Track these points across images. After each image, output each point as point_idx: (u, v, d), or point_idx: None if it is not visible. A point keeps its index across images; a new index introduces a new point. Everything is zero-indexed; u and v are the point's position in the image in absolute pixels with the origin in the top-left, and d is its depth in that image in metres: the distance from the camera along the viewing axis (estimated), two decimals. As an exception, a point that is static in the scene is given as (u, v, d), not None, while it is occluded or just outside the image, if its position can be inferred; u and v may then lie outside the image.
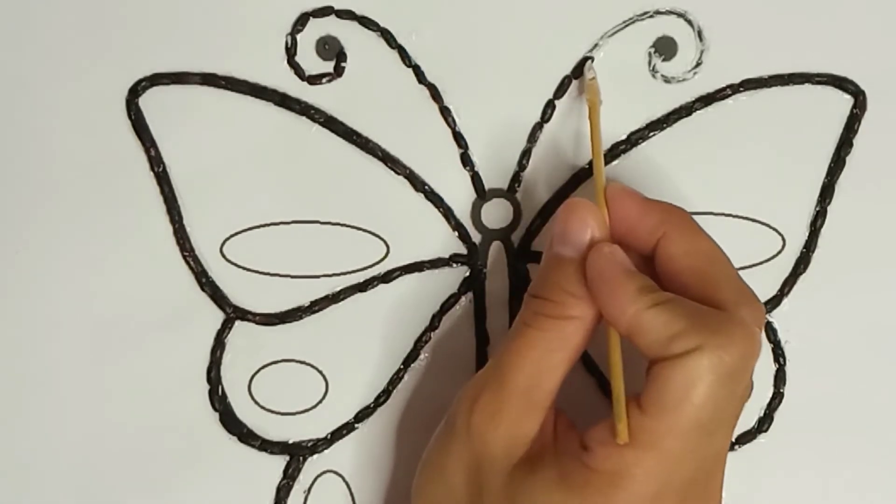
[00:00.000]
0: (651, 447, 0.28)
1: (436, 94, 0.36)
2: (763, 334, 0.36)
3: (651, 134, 0.36)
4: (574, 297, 0.30)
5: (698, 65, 0.36)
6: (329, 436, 0.37)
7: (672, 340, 0.28)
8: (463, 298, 0.37)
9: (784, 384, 0.37)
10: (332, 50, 0.36)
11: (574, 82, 0.36)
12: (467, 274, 0.37)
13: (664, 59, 0.36)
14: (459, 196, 0.36)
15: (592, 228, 0.30)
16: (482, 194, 0.37)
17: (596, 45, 0.36)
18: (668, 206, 0.32)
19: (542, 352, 0.30)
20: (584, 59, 0.36)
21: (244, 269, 0.36)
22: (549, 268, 0.31)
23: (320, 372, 0.37)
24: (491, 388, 0.30)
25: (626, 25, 0.36)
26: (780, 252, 0.36)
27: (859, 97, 0.36)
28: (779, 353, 0.36)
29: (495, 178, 0.36)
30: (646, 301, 0.29)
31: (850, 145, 0.36)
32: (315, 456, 0.37)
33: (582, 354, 0.36)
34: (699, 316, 0.28)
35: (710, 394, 0.28)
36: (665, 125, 0.36)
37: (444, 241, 0.37)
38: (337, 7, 0.36)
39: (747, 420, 0.36)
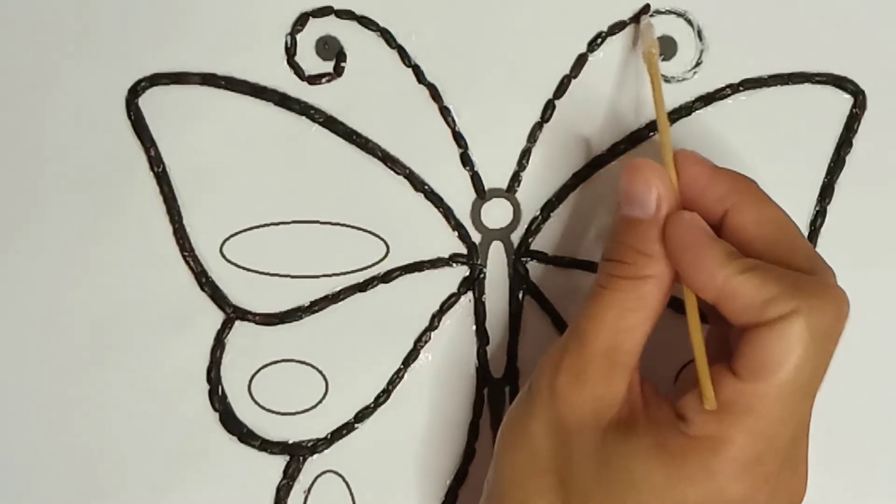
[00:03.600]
0: (749, 412, 0.28)
1: (436, 94, 0.36)
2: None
3: (651, 133, 0.36)
4: (647, 257, 0.30)
5: (698, 64, 0.36)
6: (329, 436, 0.37)
7: (766, 305, 0.28)
8: (463, 298, 0.37)
9: (784, 384, 0.36)
10: (331, 50, 0.36)
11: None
12: (467, 274, 0.37)
13: (664, 59, 0.36)
14: (459, 196, 0.36)
15: (658, 188, 0.30)
16: (482, 194, 0.37)
17: (596, 45, 0.36)
18: (736, 175, 0.31)
19: (619, 312, 0.30)
20: (643, 9, 0.36)
21: (244, 269, 0.36)
22: (619, 230, 0.31)
23: (320, 372, 0.37)
24: (572, 351, 0.30)
25: (626, 25, 0.36)
26: (779, 252, 0.36)
27: (859, 97, 0.36)
28: (779, 353, 0.36)
29: (495, 178, 0.36)
30: (735, 267, 0.28)
31: (850, 145, 0.36)
32: (315, 456, 0.37)
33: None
34: (792, 280, 0.28)
35: (808, 356, 0.28)
36: (665, 125, 0.36)
37: (444, 241, 0.37)
38: (337, 7, 0.36)
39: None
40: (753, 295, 0.28)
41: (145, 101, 0.36)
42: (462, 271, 0.37)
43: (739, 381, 0.28)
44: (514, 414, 0.32)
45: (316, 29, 0.36)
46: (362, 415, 0.37)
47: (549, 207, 0.36)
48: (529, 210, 0.37)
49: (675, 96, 0.36)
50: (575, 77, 0.36)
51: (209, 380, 0.36)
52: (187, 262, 0.36)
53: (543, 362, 0.31)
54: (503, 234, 0.37)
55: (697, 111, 0.36)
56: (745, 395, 0.28)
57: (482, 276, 0.37)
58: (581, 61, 0.36)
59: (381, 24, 0.36)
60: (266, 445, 0.37)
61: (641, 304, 0.30)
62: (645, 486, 0.29)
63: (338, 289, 0.37)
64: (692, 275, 0.29)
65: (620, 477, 0.29)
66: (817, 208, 0.36)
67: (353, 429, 0.37)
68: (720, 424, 0.28)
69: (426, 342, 0.37)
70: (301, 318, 0.36)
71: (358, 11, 0.36)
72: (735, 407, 0.28)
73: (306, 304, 0.36)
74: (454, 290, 0.37)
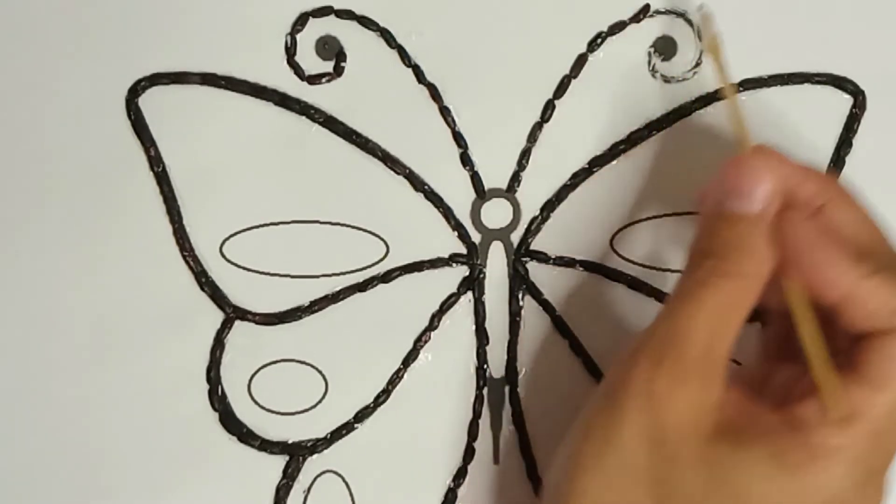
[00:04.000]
0: (876, 421, 0.27)
1: (436, 94, 0.36)
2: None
3: (651, 134, 0.36)
4: (749, 255, 0.29)
5: (698, 65, 0.36)
6: (329, 436, 0.37)
7: None
8: (462, 298, 0.37)
9: (784, 384, 0.36)
10: (331, 50, 0.36)
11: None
12: (467, 274, 0.37)
13: (664, 59, 0.36)
14: (459, 196, 0.36)
15: (769, 183, 0.29)
16: (482, 194, 0.37)
17: (596, 45, 0.36)
18: (826, 175, 0.31)
19: (718, 311, 0.29)
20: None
21: (244, 269, 0.36)
22: (722, 225, 0.30)
23: (320, 372, 0.37)
24: (672, 352, 0.28)
25: (626, 25, 0.36)
26: (779, 252, 0.36)
27: (859, 97, 0.36)
28: (779, 353, 0.36)
29: (495, 178, 0.36)
30: (865, 269, 0.28)
31: (850, 145, 0.36)
32: (315, 456, 0.37)
33: (583, 355, 0.36)
34: None
35: None
36: (665, 125, 0.36)
37: (444, 241, 0.37)
38: (337, 7, 0.36)
39: (747, 420, 0.36)
40: (885, 300, 0.27)
41: (145, 101, 0.36)
42: (462, 271, 0.37)
43: (870, 390, 0.27)
44: (597, 423, 0.29)
45: (316, 29, 0.36)
46: (362, 415, 0.37)
47: (549, 207, 0.36)
48: (529, 210, 0.37)
49: (674, 96, 0.36)
50: (575, 77, 0.36)
51: (209, 380, 0.36)
52: (187, 262, 0.36)
53: (634, 362, 0.29)
54: (503, 234, 0.37)
55: (697, 111, 0.36)
56: (872, 404, 0.27)
57: (482, 276, 0.37)
58: (581, 61, 0.36)
59: (381, 24, 0.36)
60: (266, 445, 0.36)
61: (740, 303, 0.29)
62: (761, 498, 0.28)
63: (338, 289, 0.37)
64: (818, 275, 0.28)
65: (734, 489, 0.28)
66: (817, 208, 0.36)
67: (353, 429, 0.37)
68: (846, 433, 0.27)
69: (426, 342, 0.37)
70: (301, 318, 0.36)
71: (358, 11, 0.36)
72: (861, 416, 0.27)
73: (306, 304, 0.36)
74: (454, 290, 0.37)
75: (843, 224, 0.30)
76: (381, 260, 0.37)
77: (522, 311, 0.37)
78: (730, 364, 0.29)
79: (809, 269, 0.28)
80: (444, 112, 0.36)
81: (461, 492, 0.37)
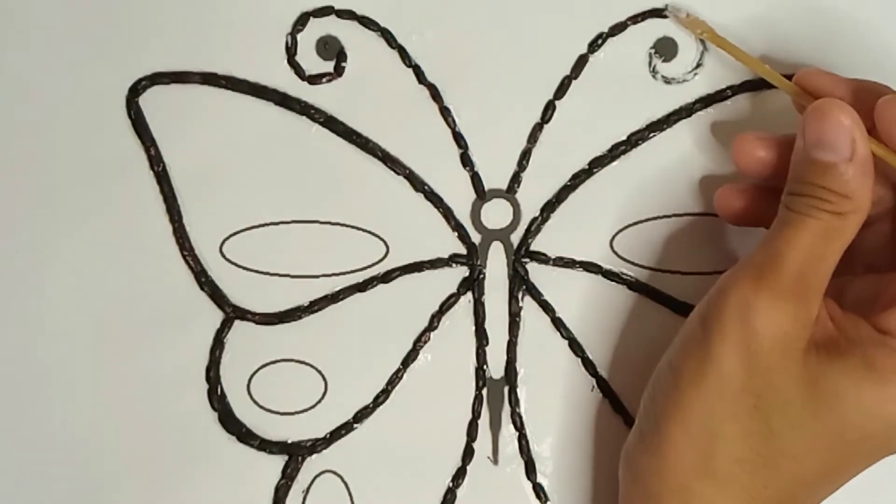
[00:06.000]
0: None
1: (436, 94, 0.36)
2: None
3: (651, 134, 0.36)
4: (845, 198, 0.30)
5: (698, 66, 0.36)
6: (328, 436, 0.37)
7: None
8: (462, 298, 0.37)
9: (784, 385, 0.36)
10: (332, 50, 0.36)
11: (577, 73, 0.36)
12: (466, 274, 0.37)
13: (664, 60, 0.36)
14: (459, 196, 0.36)
15: (853, 132, 0.30)
16: (482, 194, 0.37)
17: (596, 46, 0.36)
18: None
19: (816, 239, 0.30)
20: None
21: (244, 268, 0.36)
22: (811, 173, 0.30)
23: (319, 372, 0.37)
24: (772, 271, 0.30)
25: (627, 26, 0.36)
26: (779, 253, 0.36)
27: (859, 98, 0.36)
28: (778, 354, 0.36)
29: (495, 178, 0.36)
30: None
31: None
32: (314, 456, 0.37)
33: (583, 355, 0.36)
34: None
35: None
36: (665, 126, 0.36)
37: (444, 242, 0.37)
38: (337, 7, 0.36)
39: (747, 421, 0.36)
40: None
41: (146, 100, 0.36)
42: (462, 272, 0.37)
43: None
44: (692, 347, 0.31)
45: (316, 29, 0.36)
46: (361, 415, 0.37)
47: (549, 208, 0.36)
48: (529, 210, 0.37)
49: (675, 97, 0.36)
50: (575, 78, 0.36)
51: (208, 379, 0.36)
52: (187, 262, 0.36)
53: (733, 282, 0.30)
54: (503, 234, 0.37)
55: (698, 112, 0.36)
56: None
57: (482, 276, 0.37)
58: (581, 62, 0.36)
59: (382, 24, 0.36)
60: (265, 445, 0.36)
61: (838, 234, 0.30)
62: (855, 407, 0.29)
63: (337, 289, 0.37)
64: None
65: (828, 399, 0.29)
66: (817, 209, 0.36)
67: (352, 429, 0.37)
68: None
69: (425, 342, 0.37)
70: (300, 317, 0.36)
71: (358, 11, 0.36)
72: None
73: (306, 304, 0.36)
74: (454, 290, 0.37)
75: None
76: (381, 260, 0.37)
77: (522, 312, 0.37)
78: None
79: None
80: (444, 112, 0.36)
81: (461, 492, 0.37)
